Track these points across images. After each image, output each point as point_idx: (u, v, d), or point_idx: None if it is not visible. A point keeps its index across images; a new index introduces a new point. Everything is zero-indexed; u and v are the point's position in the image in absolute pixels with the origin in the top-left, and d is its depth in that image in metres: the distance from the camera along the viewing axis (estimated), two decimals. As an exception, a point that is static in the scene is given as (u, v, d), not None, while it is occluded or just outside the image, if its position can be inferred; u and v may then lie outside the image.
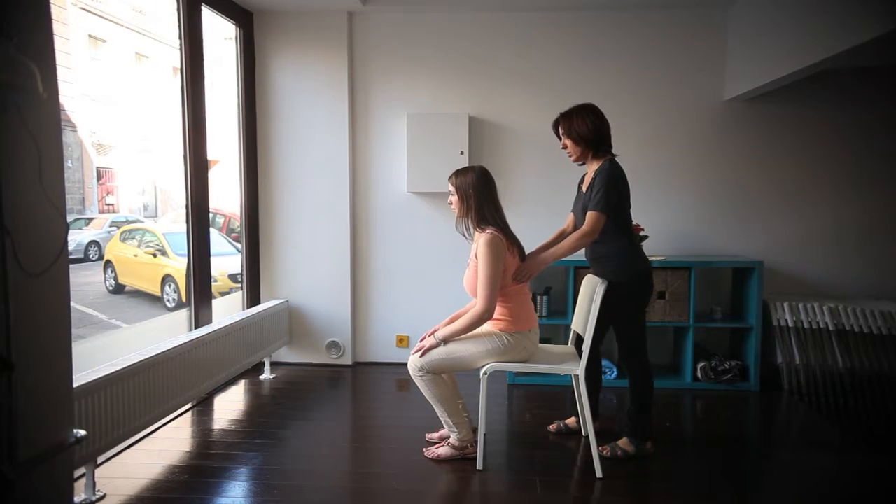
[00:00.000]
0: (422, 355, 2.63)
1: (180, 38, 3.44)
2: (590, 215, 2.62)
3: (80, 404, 2.23)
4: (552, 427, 3.10)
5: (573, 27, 4.03)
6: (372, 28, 4.12)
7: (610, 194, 2.61)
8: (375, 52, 4.14)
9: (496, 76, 4.10)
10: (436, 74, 4.11)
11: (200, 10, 3.54)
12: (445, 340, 2.61)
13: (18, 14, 1.50)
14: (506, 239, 2.61)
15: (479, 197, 2.63)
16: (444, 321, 2.77)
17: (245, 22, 4.03)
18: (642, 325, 2.80)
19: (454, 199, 2.69)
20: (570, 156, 2.81)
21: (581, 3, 3.93)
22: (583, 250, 2.83)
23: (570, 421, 3.11)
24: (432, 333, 2.67)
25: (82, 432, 1.89)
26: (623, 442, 2.78)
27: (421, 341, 2.69)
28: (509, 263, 2.60)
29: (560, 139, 2.82)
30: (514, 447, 2.96)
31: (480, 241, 2.57)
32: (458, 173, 2.70)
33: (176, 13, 3.42)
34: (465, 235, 2.74)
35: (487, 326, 2.66)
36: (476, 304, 2.57)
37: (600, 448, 2.71)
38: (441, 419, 2.75)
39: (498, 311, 2.63)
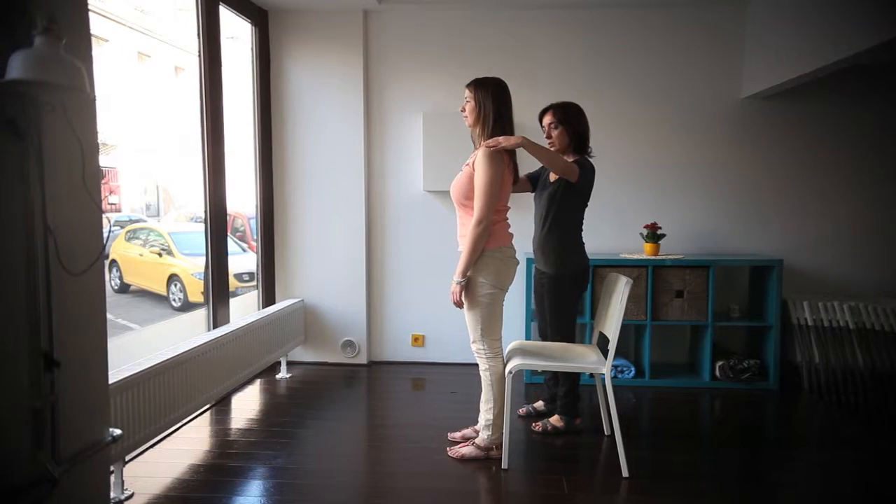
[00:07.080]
0: (458, 302, 2.60)
1: (198, 36, 3.43)
2: (573, 162, 2.86)
3: (111, 403, 2.22)
4: (522, 411, 3.31)
5: (589, 25, 4.02)
6: (387, 27, 4.11)
7: (586, 174, 2.88)
8: (391, 51, 4.13)
9: (513, 75, 4.03)
10: (452, 73, 4.10)
11: (218, 9, 3.53)
12: (463, 275, 2.56)
13: (64, 15, 1.50)
14: (507, 156, 2.60)
15: (498, 109, 2.58)
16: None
17: (260, 20, 4.02)
18: (572, 317, 3.01)
19: (468, 106, 2.63)
20: (553, 145, 2.98)
21: (598, 1, 3.93)
22: (533, 239, 3.06)
23: (538, 404, 3.34)
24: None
25: (118, 431, 1.88)
26: (555, 419, 3.09)
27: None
28: (504, 181, 2.58)
29: (542, 125, 3.01)
30: (535, 446, 2.95)
31: (481, 151, 2.55)
32: (478, 81, 2.62)
33: (195, 12, 3.40)
34: (475, 145, 2.69)
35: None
36: (472, 216, 2.52)
37: (533, 424, 3.09)
38: (481, 417, 2.75)
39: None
